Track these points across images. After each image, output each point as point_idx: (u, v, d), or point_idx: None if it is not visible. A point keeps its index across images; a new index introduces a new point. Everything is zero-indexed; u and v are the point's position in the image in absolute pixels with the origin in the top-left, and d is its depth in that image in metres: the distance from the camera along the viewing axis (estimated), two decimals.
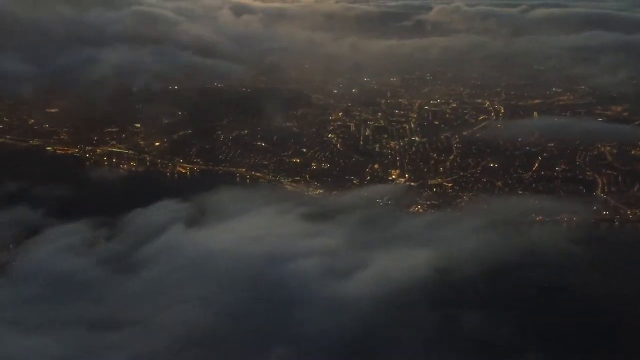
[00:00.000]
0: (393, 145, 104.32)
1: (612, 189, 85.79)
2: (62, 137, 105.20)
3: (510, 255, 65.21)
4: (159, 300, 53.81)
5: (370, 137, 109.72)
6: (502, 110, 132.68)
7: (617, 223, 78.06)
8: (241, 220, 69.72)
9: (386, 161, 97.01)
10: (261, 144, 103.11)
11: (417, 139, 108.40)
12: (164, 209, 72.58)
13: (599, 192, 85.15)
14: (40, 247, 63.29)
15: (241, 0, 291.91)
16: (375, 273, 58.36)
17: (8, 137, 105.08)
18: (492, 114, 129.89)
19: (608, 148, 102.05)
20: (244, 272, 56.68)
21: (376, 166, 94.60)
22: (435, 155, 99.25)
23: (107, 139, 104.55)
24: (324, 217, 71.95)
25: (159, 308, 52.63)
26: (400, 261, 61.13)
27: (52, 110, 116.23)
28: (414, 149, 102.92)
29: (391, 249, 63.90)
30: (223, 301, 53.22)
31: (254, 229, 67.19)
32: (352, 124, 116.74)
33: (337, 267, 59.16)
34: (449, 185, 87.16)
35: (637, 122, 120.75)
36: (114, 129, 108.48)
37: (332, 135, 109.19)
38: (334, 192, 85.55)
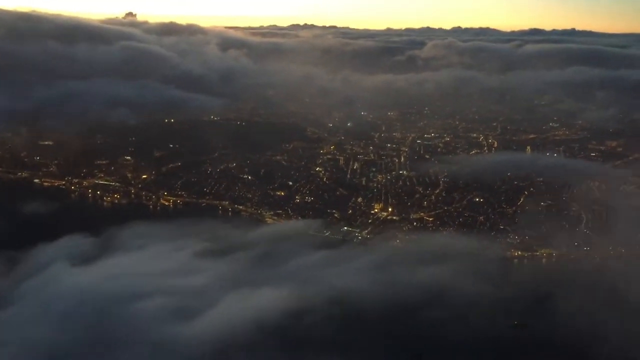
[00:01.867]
0: (380, 179, 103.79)
1: (596, 225, 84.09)
2: (52, 169, 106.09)
3: (404, 294, 61.55)
4: None
5: (358, 170, 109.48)
6: (496, 145, 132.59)
7: (597, 259, 75.86)
8: (131, 256, 68.33)
9: (370, 195, 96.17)
10: (248, 177, 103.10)
11: (405, 172, 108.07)
12: (67, 244, 71.11)
13: (582, 227, 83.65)
14: None
15: (238, 36, 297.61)
16: (221, 314, 56.32)
17: None
18: (485, 148, 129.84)
19: (597, 183, 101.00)
20: (89, 312, 55.33)
21: (359, 200, 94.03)
22: (421, 189, 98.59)
23: (96, 171, 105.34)
24: (223, 253, 69.63)
25: None
26: (258, 301, 58.64)
27: (45, 143, 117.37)
28: (400, 182, 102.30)
29: (260, 288, 61.09)
30: (52, 342, 51.39)
31: (134, 265, 66.03)
32: (341, 158, 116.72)
33: (187, 306, 57.34)
34: (430, 219, 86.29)
35: (630, 157, 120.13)
36: (103, 162, 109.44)
37: (320, 169, 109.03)
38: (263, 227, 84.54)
